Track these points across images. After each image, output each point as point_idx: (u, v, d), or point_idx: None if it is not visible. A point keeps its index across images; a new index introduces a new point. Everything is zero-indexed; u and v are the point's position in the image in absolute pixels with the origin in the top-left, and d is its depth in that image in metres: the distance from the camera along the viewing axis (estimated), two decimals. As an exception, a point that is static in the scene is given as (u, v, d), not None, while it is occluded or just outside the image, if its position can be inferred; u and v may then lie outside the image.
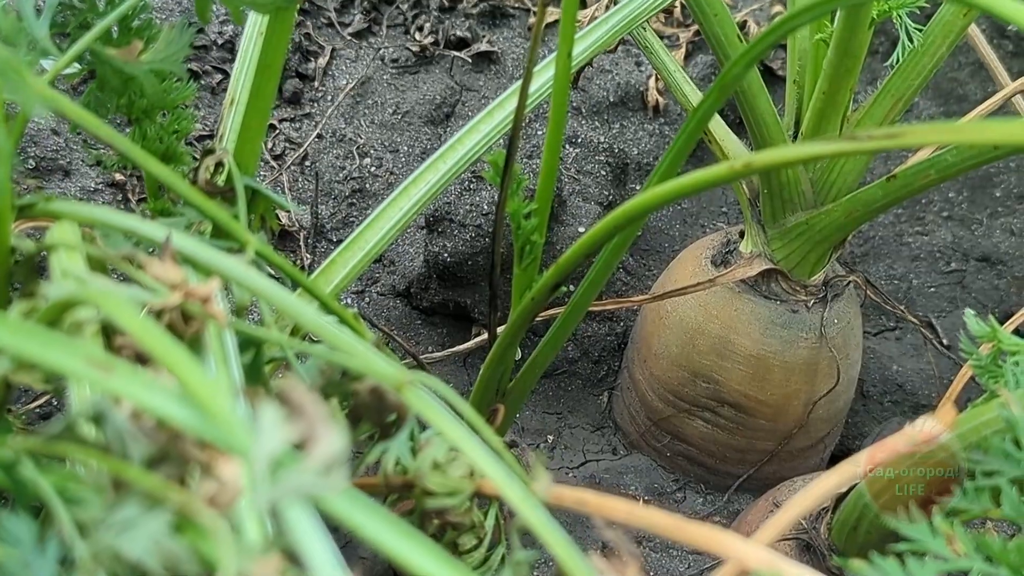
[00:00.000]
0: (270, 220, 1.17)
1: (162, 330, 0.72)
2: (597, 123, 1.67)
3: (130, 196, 1.48)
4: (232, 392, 0.78)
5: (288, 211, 1.54)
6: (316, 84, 1.68)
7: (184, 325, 0.83)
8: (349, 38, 1.72)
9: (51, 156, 1.48)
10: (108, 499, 0.67)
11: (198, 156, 1.15)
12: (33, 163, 1.48)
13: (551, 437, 1.51)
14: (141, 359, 0.73)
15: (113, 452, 0.68)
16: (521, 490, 0.81)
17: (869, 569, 0.81)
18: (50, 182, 1.46)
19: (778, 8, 1.85)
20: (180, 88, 1.05)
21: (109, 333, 0.78)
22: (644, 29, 1.41)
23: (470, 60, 1.71)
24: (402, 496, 0.97)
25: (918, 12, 1.22)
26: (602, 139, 1.64)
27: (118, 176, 1.48)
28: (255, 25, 1.24)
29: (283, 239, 1.55)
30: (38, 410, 1.41)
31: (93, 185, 1.47)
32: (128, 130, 1.08)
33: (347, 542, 1.23)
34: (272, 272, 1.04)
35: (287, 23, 1.08)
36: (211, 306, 0.84)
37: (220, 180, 1.10)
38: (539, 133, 1.61)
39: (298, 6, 1.29)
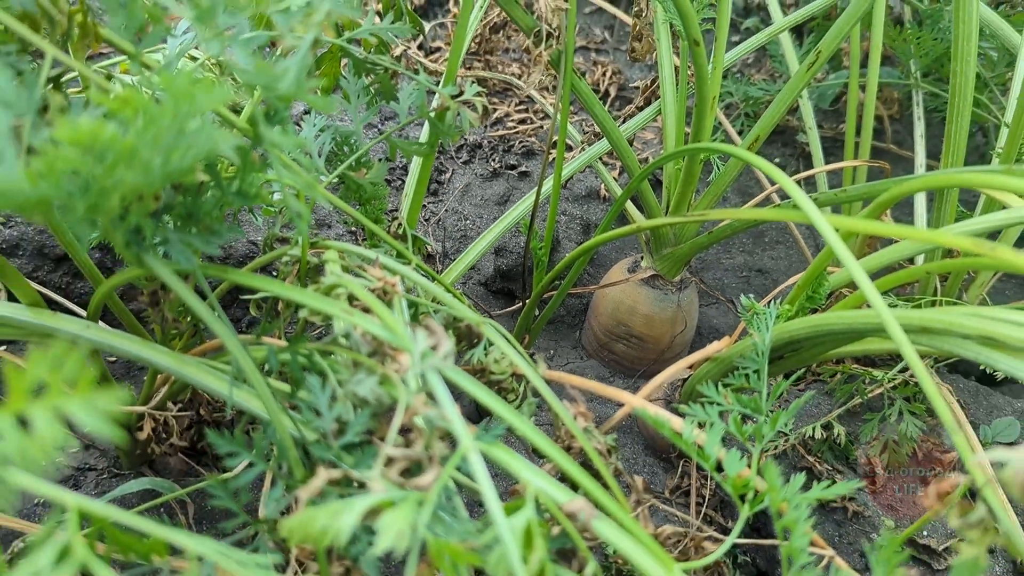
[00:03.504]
0: (422, 249, 1.20)
1: (374, 297, 0.76)
2: (576, 205, 1.67)
3: (358, 237, 1.52)
4: (405, 325, 0.82)
5: (431, 246, 1.57)
6: (444, 186, 1.69)
7: (384, 296, 0.86)
8: (460, 164, 1.73)
9: (322, 217, 1.52)
10: (351, 371, 0.72)
11: (390, 220, 1.19)
12: (314, 221, 1.53)
13: (552, 351, 1.51)
14: (366, 310, 0.77)
15: (353, 349, 0.73)
16: (532, 372, 0.85)
17: (688, 410, 0.86)
18: (320, 230, 1.51)
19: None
20: (381, 189, 1.04)
21: (351, 298, 0.81)
22: (598, 161, 1.45)
23: (517, 175, 1.71)
24: (480, 375, 1.00)
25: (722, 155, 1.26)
26: (578, 213, 1.65)
27: (353, 228, 1.52)
28: (416, 161, 1.28)
29: (429, 259, 1.55)
30: (316, 333, 1.46)
31: (341, 232, 1.52)
32: (359, 207, 1.12)
33: (459, 394, 1.26)
34: (423, 272, 1.08)
35: (430, 159, 1.12)
36: (396, 288, 0.87)
37: (400, 231, 1.14)
38: (547, 209, 1.64)
39: (436, 151, 1.33)
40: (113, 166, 0.49)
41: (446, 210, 1.64)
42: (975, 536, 0.58)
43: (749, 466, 0.77)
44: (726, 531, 1.22)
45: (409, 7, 1.14)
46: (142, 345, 0.83)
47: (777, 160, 1.95)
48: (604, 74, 2.01)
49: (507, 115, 1.85)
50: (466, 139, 1.77)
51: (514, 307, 1.55)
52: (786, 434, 1.28)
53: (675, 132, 1.26)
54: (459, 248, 1.59)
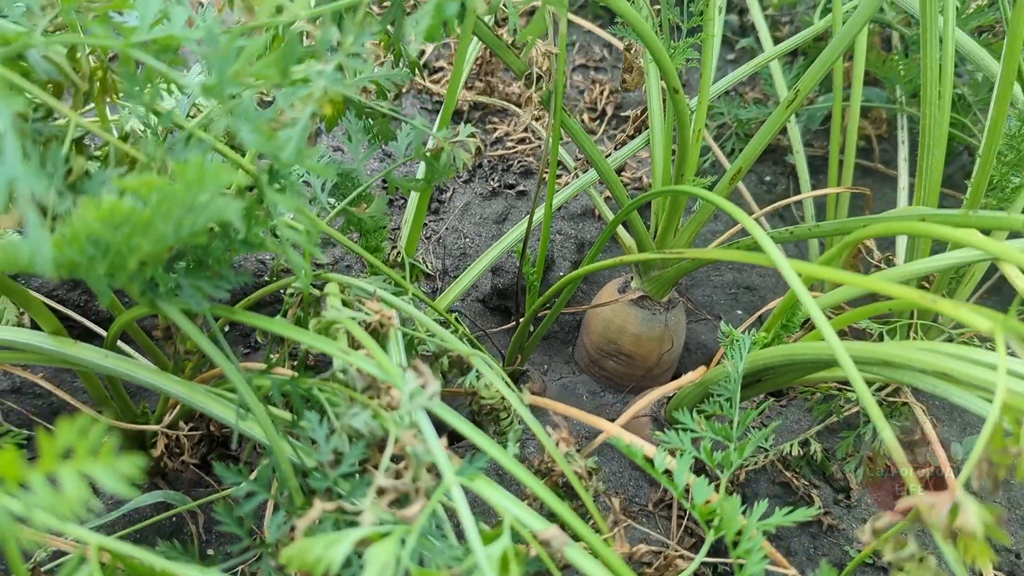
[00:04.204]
0: (420, 276, 1.25)
1: (368, 336, 0.81)
2: (571, 224, 1.71)
3: (364, 265, 1.55)
4: (400, 356, 0.87)
5: (431, 264, 1.60)
6: (445, 204, 1.72)
7: (381, 328, 0.91)
8: (460, 183, 1.77)
9: (325, 237, 1.56)
10: (347, 404, 0.76)
11: (391, 244, 1.23)
12: (320, 247, 1.56)
13: (546, 366, 1.55)
14: (358, 346, 0.82)
15: (349, 385, 0.77)
16: (517, 401, 0.90)
17: (662, 436, 0.90)
18: (324, 248, 1.54)
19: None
20: (382, 220, 1.09)
21: (349, 334, 0.86)
22: (591, 188, 1.49)
23: (515, 194, 1.75)
24: (473, 399, 1.05)
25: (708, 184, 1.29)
26: (572, 232, 1.70)
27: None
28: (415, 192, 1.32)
29: (430, 277, 1.59)
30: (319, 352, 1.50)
31: (344, 252, 1.56)
32: (360, 237, 1.16)
33: (459, 405, 1.28)
34: (417, 301, 1.12)
35: (427, 193, 1.17)
36: (392, 321, 0.91)
37: (398, 259, 1.19)
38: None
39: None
40: (131, 235, 0.55)
41: (446, 228, 1.68)
42: (911, 569, 0.63)
43: (717, 490, 0.82)
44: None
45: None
46: (156, 374, 0.88)
47: (768, 178, 1.99)
48: (602, 93, 2.06)
49: (507, 135, 1.88)
50: (467, 159, 1.80)
51: (510, 324, 1.59)
52: (766, 450, 1.32)
53: (662, 163, 1.30)
54: (458, 265, 1.63)
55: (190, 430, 1.06)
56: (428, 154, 1.01)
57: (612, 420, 1.16)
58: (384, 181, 1.72)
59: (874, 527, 0.60)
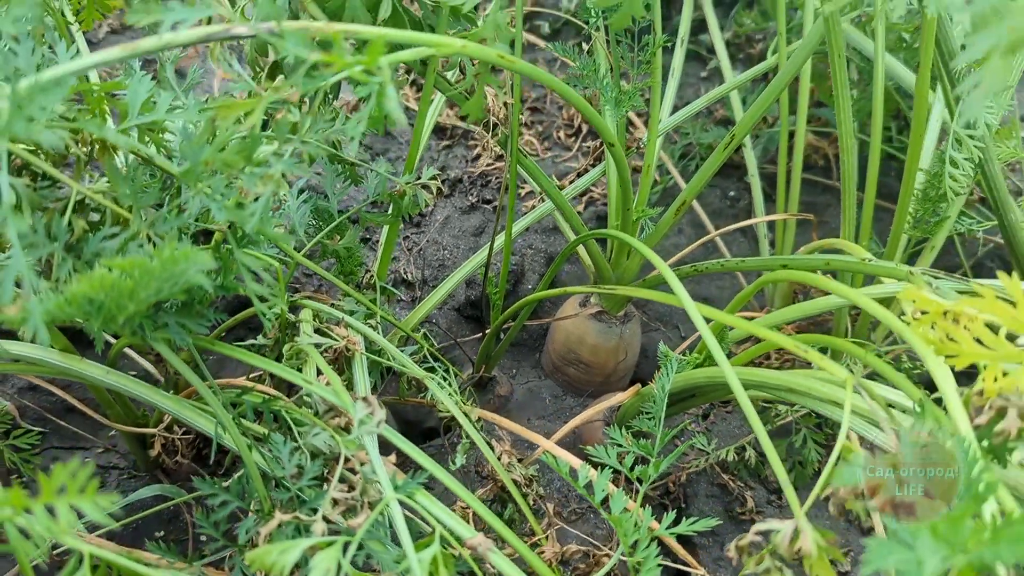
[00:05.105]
0: (392, 296, 1.33)
1: (330, 368, 0.91)
2: (542, 238, 1.79)
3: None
4: (361, 385, 0.96)
5: (410, 279, 1.68)
6: (427, 218, 1.81)
7: (347, 353, 1.01)
8: (442, 197, 1.83)
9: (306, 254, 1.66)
10: (310, 425, 0.86)
11: (364, 271, 1.32)
12: (297, 274, 1.63)
13: (514, 370, 1.63)
14: (320, 372, 0.92)
15: (312, 409, 0.87)
16: (465, 419, 1.00)
17: (592, 451, 1.00)
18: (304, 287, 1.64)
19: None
20: (356, 249, 1.18)
21: (314, 361, 0.96)
22: (556, 212, 1.57)
23: (491, 209, 1.82)
24: (437, 410, 1.14)
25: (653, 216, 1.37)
26: (543, 246, 1.78)
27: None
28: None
29: (411, 286, 1.68)
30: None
31: (326, 264, 1.64)
32: (336, 263, 1.25)
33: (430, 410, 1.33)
34: (389, 320, 1.20)
35: (396, 225, 1.25)
36: (358, 347, 1.01)
37: (371, 282, 1.28)
38: (517, 243, 1.75)
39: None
40: (118, 298, 0.65)
41: (427, 240, 1.76)
42: (773, 577, 0.74)
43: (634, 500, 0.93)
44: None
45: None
46: (149, 390, 0.99)
47: (732, 193, 2.07)
48: (579, 110, 2.14)
49: (485, 150, 1.96)
50: (448, 175, 1.88)
51: (480, 334, 1.67)
52: (707, 453, 1.43)
53: (616, 194, 1.39)
54: (437, 276, 1.71)
55: (183, 433, 1.17)
56: (393, 194, 1.11)
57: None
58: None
59: (737, 545, 0.71)
